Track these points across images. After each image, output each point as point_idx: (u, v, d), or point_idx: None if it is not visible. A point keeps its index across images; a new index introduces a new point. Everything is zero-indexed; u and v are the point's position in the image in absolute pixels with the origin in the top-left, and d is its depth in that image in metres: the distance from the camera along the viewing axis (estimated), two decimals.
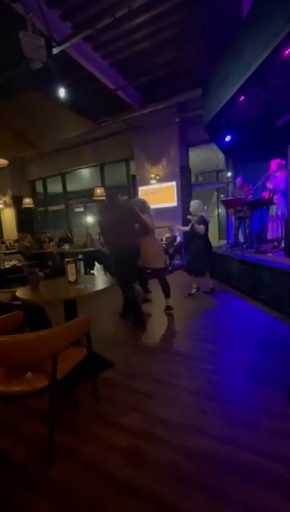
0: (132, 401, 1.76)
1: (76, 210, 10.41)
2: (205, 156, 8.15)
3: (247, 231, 5.06)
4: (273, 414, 1.55)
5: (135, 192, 7.85)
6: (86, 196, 8.74)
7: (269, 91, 4.05)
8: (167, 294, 3.50)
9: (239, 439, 1.39)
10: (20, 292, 2.00)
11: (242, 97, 4.09)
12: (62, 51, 4.37)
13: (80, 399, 1.82)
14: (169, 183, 7.28)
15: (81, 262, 6.13)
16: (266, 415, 1.55)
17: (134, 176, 7.98)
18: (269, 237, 4.93)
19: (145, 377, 2.02)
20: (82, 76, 5.49)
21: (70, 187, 9.78)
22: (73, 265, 2.21)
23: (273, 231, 4.86)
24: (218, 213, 10.14)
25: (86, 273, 6.03)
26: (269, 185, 4.78)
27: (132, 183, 8.13)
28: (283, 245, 4.24)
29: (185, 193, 7.15)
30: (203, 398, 1.75)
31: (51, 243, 6.88)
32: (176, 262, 6.52)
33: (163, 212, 6.92)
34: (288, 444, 1.34)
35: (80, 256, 6.03)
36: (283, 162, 4.57)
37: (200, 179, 9.69)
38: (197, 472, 1.23)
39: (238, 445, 1.35)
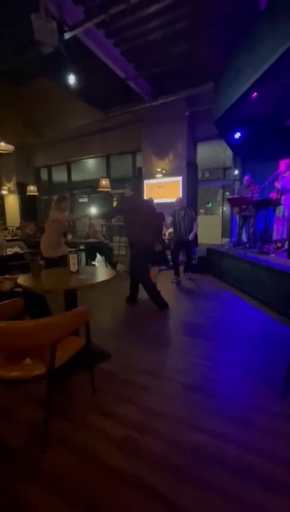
0: (128, 392, 1.78)
1: (80, 200, 10.35)
2: (213, 152, 8.05)
3: (251, 230, 5.04)
4: (266, 412, 1.56)
5: (141, 185, 7.79)
6: (92, 186, 8.68)
7: (283, 89, 3.97)
8: None
9: (232, 435, 1.41)
10: (21, 279, 2.01)
11: (255, 94, 4.01)
12: (74, 37, 4.28)
13: (77, 389, 1.84)
14: (175, 178, 7.21)
15: (83, 253, 6.13)
16: (259, 413, 1.56)
17: (140, 169, 7.90)
18: (274, 237, 4.90)
19: (142, 370, 2.04)
20: (93, 64, 5.38)
21: (75, 177, 9.70)
22: (75, 255, 2.21)
23: (278, 232, 4.82)
24: (223, 211, 10.08)
25: (87, 264, 6.04)
26: (277, 185, 4.73)
27: (138, 176, 8.06)
28: (286, 246, 4.22)
29: (191, 189, 7.09)
30: (198, 393, 1.76)
31: None
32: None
33: (167, 207, 6.87)
34: (279, 442, 1.36)
35: (82, 247, 6.03)
36: None
37: (207, 175, 9.59)
38: (188, 465, 1.25)
39: (230, 441, 1.37)
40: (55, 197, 3.69)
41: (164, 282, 4.80)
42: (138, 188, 3.59)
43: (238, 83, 4.03)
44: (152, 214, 3.61)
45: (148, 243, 3.45)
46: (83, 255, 6.10)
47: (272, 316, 3.11)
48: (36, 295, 2.19)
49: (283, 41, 2.96)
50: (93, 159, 9.25)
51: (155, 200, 4.70)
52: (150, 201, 4.33)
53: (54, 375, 1.33)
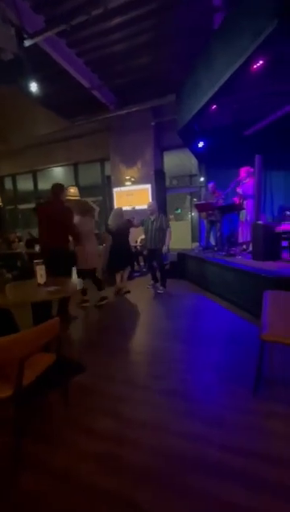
0: (104, 405, 1.72)
1: None
2: (180, 161, 8.34)
3: (218, 234, 5.26)
4: (240, 411, 1.61)
5: (110, 193, 7.79)
6: None
7: (239, 102, 4.27)
8: (99, 288, 3.92)
9: (209, 437, 1.42)
10: None
11: (214, 106, 4.25)
12: (35, 45, 4.22)
13: (51, 405, 1.74)
14: (144, 186, 7.33)
15: None
16: (234, 412, 1.60)
17: (108, 177, 7.91)
18: (240, 240, 5.16)
19: (117, 380, 1.99)
20: (57, 72, 5.34)
21: (42, 186, 9.42)
22: (43, 266, 2.13)
23: (243, 235, 5.10)
24: (191, 217, 10.41)
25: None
26: (239, 190, 5.02)
27: (107, 184, 8.05)
28: (251, 248, 4.46)
29: (159, 196, 7.24)
30: (174, 397, 1.77)
31: (21, 243, 6.57)
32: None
33: (137, 214, 6.93)
34: (254, 439, 1.41)
35: None
36: (252, 169, 4.82)
37: (175, 182, 9.88)
38: (170, 473, 1.23)
39: (208, 443, 1.38)
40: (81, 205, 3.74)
41: (139, 287, 4.81)
42: (59, 191, 3.22)
43: (197, 96, 4.25)
44: (65, 223, 3.26)
45: (57, 249, 3.16)
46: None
47: (241, 315, 3.25)
48: (1, 310, 2.06)
49: (235, 60, 3.19)
50: (60, 168, 9.07)
51: (125, 208, 4.71)
52: (89, 208, 3.88)
53: (22, 396, 1.25)
